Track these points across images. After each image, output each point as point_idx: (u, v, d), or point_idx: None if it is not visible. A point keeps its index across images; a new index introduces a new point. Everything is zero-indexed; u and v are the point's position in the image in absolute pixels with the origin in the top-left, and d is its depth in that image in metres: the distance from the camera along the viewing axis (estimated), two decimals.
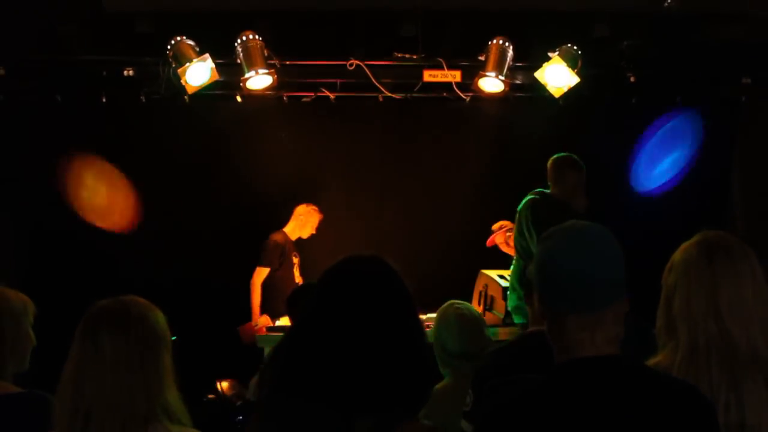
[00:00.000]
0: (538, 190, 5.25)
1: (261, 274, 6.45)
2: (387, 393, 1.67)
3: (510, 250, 6.52)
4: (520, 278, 5.16)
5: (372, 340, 1.69)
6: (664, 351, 2.11)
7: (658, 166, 6.99)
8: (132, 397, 2.08)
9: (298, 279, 6.57)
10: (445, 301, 6.01)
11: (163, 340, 2.17)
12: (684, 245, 2.16)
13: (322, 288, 1.81)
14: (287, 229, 6.69)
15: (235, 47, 5.89)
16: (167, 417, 2.11)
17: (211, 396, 5.49)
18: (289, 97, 6.50)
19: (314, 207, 6.73)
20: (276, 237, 6.59)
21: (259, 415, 1.77)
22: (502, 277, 5.76)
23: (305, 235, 6.72)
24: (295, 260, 6.66)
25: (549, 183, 5.23)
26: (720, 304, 2.03)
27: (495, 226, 6.50)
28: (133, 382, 2.09)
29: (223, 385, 5.49)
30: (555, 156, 5.23)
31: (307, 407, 1.65)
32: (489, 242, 6.43)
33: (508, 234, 6.46)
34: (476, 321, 3.43)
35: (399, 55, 6.14)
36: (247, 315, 6.33)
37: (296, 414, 1.67)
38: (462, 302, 3.56)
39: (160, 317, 2.21)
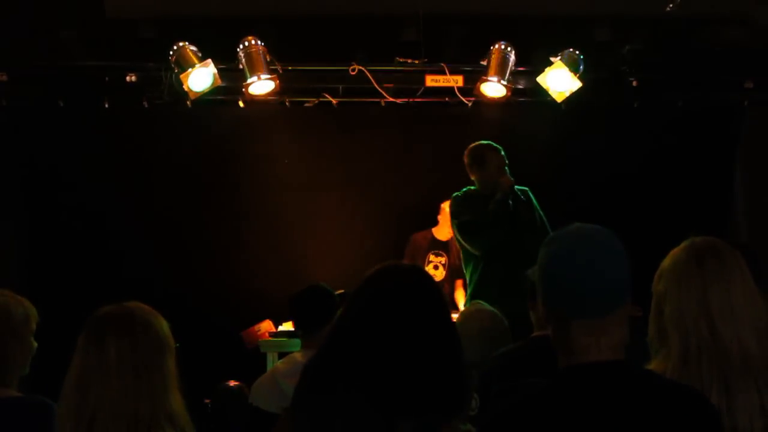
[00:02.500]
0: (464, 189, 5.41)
1: None
2: (429, 396, 1.72)
3: None
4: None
5: (414, 346, 1.75)
6: (657, 358, 2.11)
7: None
8: (137, 403, 2.07)
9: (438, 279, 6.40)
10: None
11: (167, 346, 2.17)
12: (672, 252, 2.17)
13: (364, 294, 1.86)
14: (435, 227, 6.59)
15: (238, 53, 5.89)
16: (171, 424, 2.10)
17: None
18: (291, 102, 6.49)
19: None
20: (413, 236, 6.57)
21: (293, 413, 1.81)
22: None
23: (449, 232, 6.51)
24: (434, 259, 6.51)
25: (472, 171, 5.33)
26: (711, 307, 2.04)
27: None
28: (138, 388, 2.09)
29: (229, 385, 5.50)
30: (471, 145, 5.38)
31: (347, 406, 1.69)
32: None
33: None
34: (499, 333, 3.32)
35: (401, 60, 6.14)
36: (250, 320, 6.33)
37: (334, 412, 1.71)
38: (486, 308, 3.48)
39: (163, 323, 2.21)
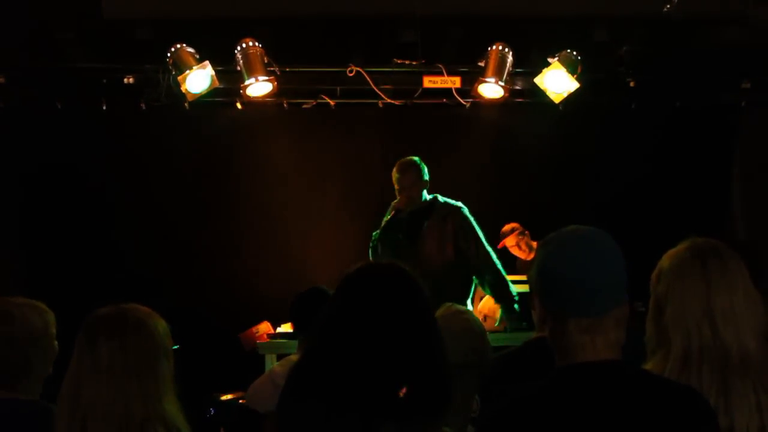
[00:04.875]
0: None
1: None
2: (411, 400, 1.68)
3: (521, 253, 6.55)
4: None
5: (395, 348, 1.71)
6: (654, 359, 2.11)
7: None
8: (128, 404, 2.07)
9: None
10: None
11: (161, 348, 2.16)
12: (672, 252, 2.17)
13: (343, 295, 1.81)
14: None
15: (235, 54, 5.89)
16: (164, 425, 2.10)
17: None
18: (289, 103, 6.50)
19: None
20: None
21: (277, 418, 1.79)
22: None
23: None
24: None
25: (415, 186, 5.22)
26: (714, 308, 2.04)
27: (506, 228, 6.51)
28: (130, 390, 2.08)
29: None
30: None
31: (328, 411, 1.67)
32: (500, 245, 6.43)
33: (519, 237, 6.48)
34: (481, 330, 3.34)
35: (399, 62, 6.14)
36: (248, 322, 6.33)
37: (316, 418, 1.68)
38: (461, 307, 3.50)
39: (159, 325, 2.21)
